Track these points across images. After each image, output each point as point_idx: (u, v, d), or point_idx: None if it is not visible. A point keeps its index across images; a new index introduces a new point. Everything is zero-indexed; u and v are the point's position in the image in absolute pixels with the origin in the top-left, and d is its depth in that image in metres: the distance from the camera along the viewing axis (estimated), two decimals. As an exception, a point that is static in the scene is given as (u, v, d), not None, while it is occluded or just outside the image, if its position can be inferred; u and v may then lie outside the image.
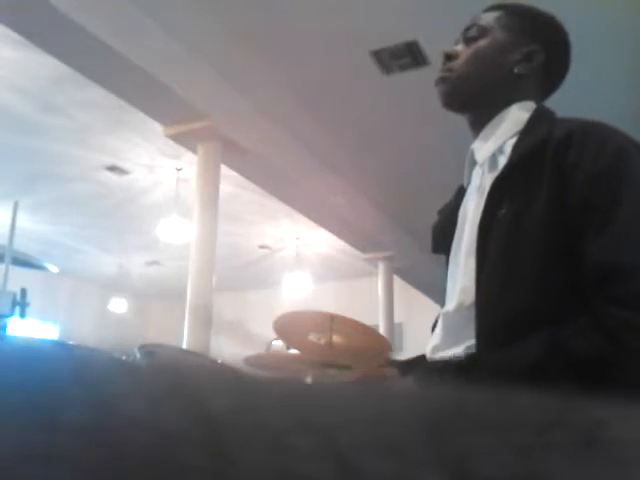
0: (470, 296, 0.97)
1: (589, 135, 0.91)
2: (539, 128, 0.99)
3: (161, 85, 4.10)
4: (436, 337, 1.05)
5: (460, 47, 1.09)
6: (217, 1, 3.98)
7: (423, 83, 4.71)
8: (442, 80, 1.08)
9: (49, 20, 3.46)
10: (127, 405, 0.20)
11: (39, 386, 0.20)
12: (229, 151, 4.77)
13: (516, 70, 1.05)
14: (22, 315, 2.32)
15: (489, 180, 1.00)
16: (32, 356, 0.22)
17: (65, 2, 3.41)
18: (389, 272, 7.81)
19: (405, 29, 4.17)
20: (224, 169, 4.87)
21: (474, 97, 1.08)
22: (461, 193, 1.13)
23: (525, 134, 1.00)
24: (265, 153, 5.20)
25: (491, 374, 0.86)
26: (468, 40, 1.09)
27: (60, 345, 0.25)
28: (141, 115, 4.71)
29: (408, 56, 4.39)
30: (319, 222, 6.93)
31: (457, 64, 1.08)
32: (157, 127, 4.95)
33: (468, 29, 1.10)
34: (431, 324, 1.14)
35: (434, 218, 1.22)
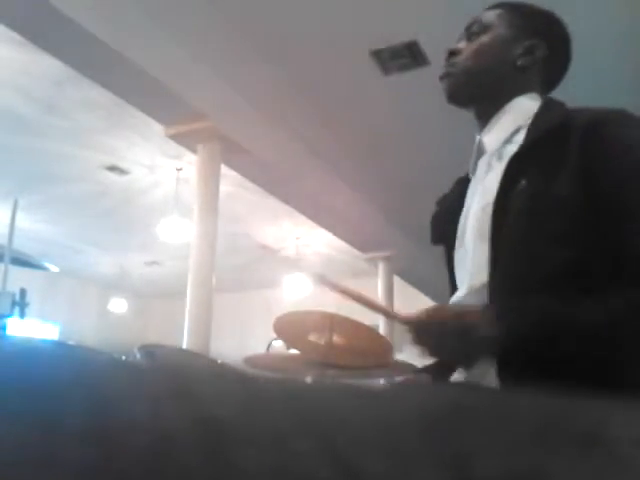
0: (480, 277, 0.97)
1: (624, 124, 0.94)
2: (553, 114, 1.01)
3: (161, 85, 4.10)
4: None
5: (462, 44, 1.12)
6: (217, 1, 3.98)
7: (423, 83, 4.70)
8: (446, 75, 1.11)
9: (49, 20, 3.46)
10: (127, 405, 0.20)
11: (39, 386, 0.20)
12: (229, 151, 4.76)
13: (519, 63, 1.08)
14: (21, 315, 2.31)
15: (500, 165, 1.01)
16: (32, 356, 0.22)
17: (65, 2, 3.40)
18: (389, 272, 7.81)
19: (405, 29, 4.16)
20: (224, 169, 4.87)
21: (479, 90, 1.10)
22: (462, 183, 1.15)
23: (539, 119, 1.02)
24: (265, 153, 5.20)
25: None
26: (470, 36, 1.12)
27: (60, 345, 0.25)
28: (141, 115, 4.71)
29: (408, 56, 4.39)
30: (319, 222, 6.92)
31: (460, 59, 1.10)
32: (157, 127, 4.94)
33: (470, 26, 1.13)
34: None
35: (433, 216, 1.21)
